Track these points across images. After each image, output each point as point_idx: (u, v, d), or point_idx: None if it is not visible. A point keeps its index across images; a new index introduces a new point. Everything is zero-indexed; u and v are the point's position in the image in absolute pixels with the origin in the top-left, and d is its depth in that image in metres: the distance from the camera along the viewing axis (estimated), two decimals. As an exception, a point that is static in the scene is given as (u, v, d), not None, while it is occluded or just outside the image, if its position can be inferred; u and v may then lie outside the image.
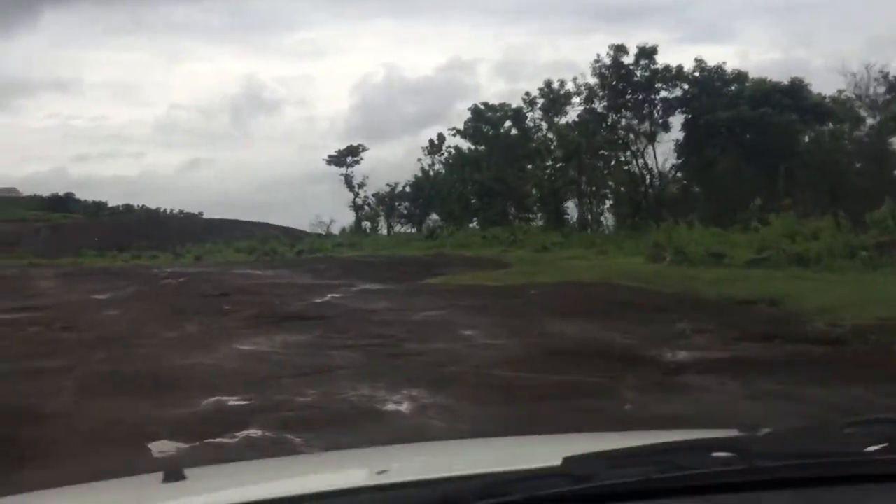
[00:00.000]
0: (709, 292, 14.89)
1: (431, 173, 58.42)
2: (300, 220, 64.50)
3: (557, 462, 1.33)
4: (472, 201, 54.79)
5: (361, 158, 60.74)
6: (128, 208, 76.92)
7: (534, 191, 49.56)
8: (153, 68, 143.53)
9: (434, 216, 63.16)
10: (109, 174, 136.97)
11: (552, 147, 46.16)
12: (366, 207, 62.57)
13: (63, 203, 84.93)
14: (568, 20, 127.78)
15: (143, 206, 76.38)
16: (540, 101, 48.63)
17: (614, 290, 15.44)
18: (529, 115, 49.51)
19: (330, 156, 60.07)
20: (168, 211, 74.93)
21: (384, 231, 64.37)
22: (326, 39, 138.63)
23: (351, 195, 61.13)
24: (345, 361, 8.36)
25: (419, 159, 59.31)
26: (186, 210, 76.91)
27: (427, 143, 59.42)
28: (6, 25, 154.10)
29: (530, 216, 54.04)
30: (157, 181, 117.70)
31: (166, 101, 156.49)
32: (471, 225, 54.46)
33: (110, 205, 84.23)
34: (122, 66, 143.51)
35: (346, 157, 60.19)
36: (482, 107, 51.84)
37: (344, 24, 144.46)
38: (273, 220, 65.63)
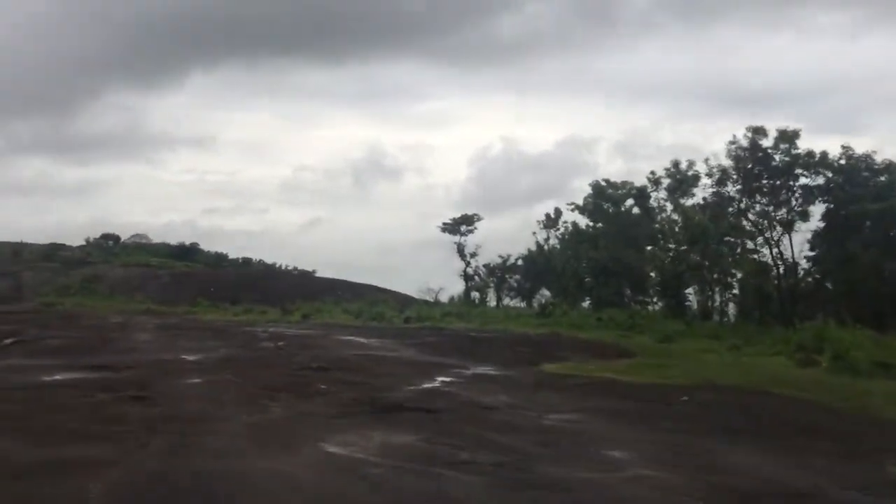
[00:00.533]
0: (893, 413, 12.07)
1: (546, 248, 56.23)
2: (409, 286, 63.33)
3: None
4: (587, 280, 52.05)
5: (475, 228, 59.34)
6: (246, 262, 77.76)
7: (653, 274, 46.48)
8: (284, 130, 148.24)
9: (545, 292, 60.75)
10: (234, 227, 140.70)
11: (676, 229, 43.13)
12: (476, 278, 60.87)
13: (188, 252, 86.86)
14: (692, 104, 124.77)
15: (260, 260, 77.01)
16: (665, 182, 45.91)
17: (776, 402, 12.75)
18: (653, 194, 46.78)
19: (444, 223, 58.89)
20: (284, 267, 75.36)
21: (493, 303, 62.35)
22: (449, 110, 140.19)
23: (462, 264, 59.61)
24: (462, 490, 6.18)
25: (534, 233, 57.41)
26: (301, 267, 77.28)
27: (543, 217, 57.47)
28: (158, 84, 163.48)
29: (647, 300, 51.02)
30: (277, 237, 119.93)
31: (293, 161, 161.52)
32: (583, 304, 51.88)
33: (230, 256, 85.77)
34: (256, 126, 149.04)
35: (461, 225, 58.85)
36: (603, 183, 49.56)
37: (467, 97, 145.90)
38: (383, 284, 64.61)
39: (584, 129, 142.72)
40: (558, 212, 56.71)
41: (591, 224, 51.30)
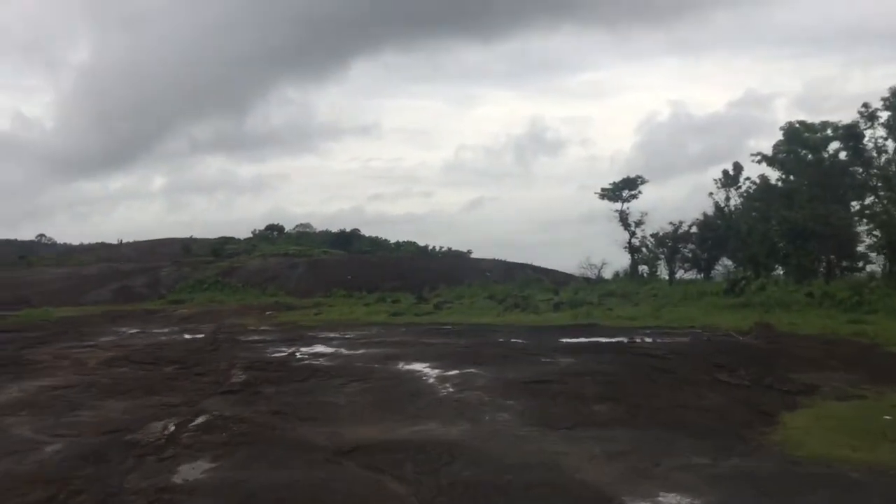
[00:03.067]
0: None
1: (726, 210, 44.87)
2: (571, 263, 53.64)
3: None
4: (780, 245, 40.36)
5: (639, 192, 49.04)
6: (398, 245, 71.12)
7: (874, 233, 34.42)
8: (444, 113, 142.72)
9: (726, 261, 49.37)
10: (400, 212, 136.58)
11: (906, 173, 31.18)
12: (643, 249, 50.33)
13: (348, 239, 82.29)
14: (882, 47, 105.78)
15: (412, 242, 70.19)
16: (884, 116, 33.69)
17: None
18: (868, 132, 34.60)
19: (603, 189, 48.97)
20: (437, 249, 68.29)
21: (664, 277, 51.64)
22: (609, 79, 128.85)
23: (626, 235, 49.36)
24: None
25: (710, 193, 46.20)
26: (456, 248, 70.00)
27: (720, 175, 45.99)
28: (323, 76, 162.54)
29: (855, 267, 39.07)
30: (441, 219, 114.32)
31: (454, 143, 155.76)
32: (773, 273, 40.60)
33: (392, 241, 79.96)
34: (417, 110, 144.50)
35: (622, 190, 48.71)
36: (799, 126, 37.66)
37: (627, 64, 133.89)
38: (544, 262, 55.64)
39: (759, 86, 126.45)
40: (738, 167, 45.21)
41: (783, 177, 39.67)
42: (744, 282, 28.71)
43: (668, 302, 29.17)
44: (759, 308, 25.38)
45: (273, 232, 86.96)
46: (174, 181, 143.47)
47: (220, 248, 68.56)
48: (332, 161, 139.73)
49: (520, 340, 14.56)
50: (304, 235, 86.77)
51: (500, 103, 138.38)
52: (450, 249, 68.53)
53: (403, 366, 10.99)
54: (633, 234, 49.56)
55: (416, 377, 10.10)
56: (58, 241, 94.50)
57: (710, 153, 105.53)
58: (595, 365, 11.18)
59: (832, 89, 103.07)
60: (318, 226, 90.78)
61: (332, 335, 16.84)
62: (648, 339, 15.11)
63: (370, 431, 7.61)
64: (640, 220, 49.03)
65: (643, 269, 51.35)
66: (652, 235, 52.54)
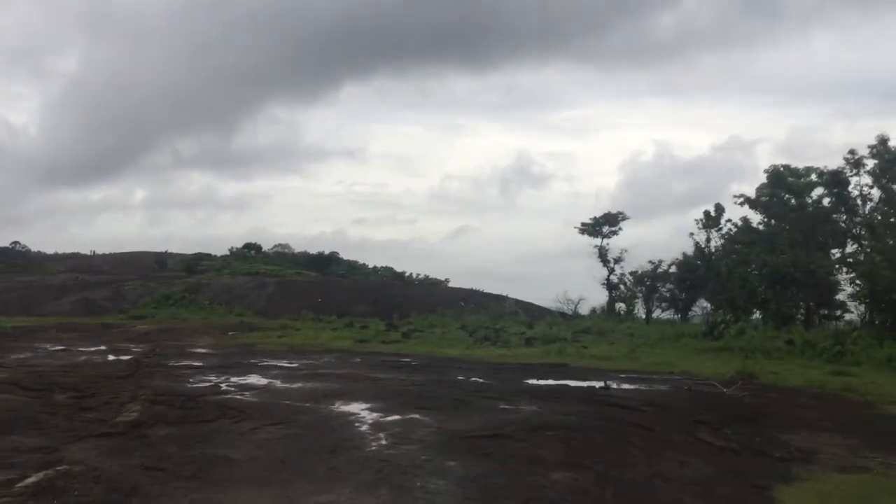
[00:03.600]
0: None
1: (706, 251, 43.59)
2: (549, 297, 51.99)
3: None
4: (759, 289, 39.02)
5: (620, 229, 47.70)
6: (374, 270, 69.37)
7: (855, 283, 33.11)
8: (431, 141, 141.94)
9: (703, 303, 48.03)
10: (383, 238, 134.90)
11: (892, 220, 29.96)
12: (621, 287, 48.89)
13: (326, 261, 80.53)
14: (867, 100, 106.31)
15: (389, 268, 68.46)
16: (870, 164, 32.65)
17: None
18: (853, 179, 33.52)
19: (583, 224, 47.58)
20: (414, 276, 66.52)
21: (641, 315, 50.17)
22: (596, 117, 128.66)
23: (605, 271, 47.91)
24: None
25: (691, 234, 44.88)
26: (434, 276, 68.38)
27: (702, 216, 44.76)
28: (313, 98, 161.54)
29: (833, 315, 37.81)
30: (424, 247, 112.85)
31: (440, 171, 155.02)
32: (751, 317, 39.22)
33: (371, 266, 78.12)
34: (404, 137, 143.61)
35: (602, 226, 47.33)
36: (783, 169, 36.57)
37: (614, 103, 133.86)
38: (522, 295, 54.00)
39: (743, 131, 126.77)
40: (720, 208, 44.03)
41: (765, 220, 38.48)
42: (723, 325, 27.20)
43: (644, 342, 27.63)
44: (738, 353, 23.87)
45: (250, 251, 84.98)
46: (156, 195, 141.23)
47: (195, 264, 66.50)
48: (316, 183, 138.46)
49: (480, 380, 12.86)
50: (282, 256, 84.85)
51: (487, 134, 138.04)
52: (427, 277, 66.89)
53: (339, 406, 9.22)
54: (611, 271, 48.24)
55: (348, 423, 8.33)
56: (32, 250, 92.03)
57: (692, 194, 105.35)
58: (561, 416, 9.38)
59: (815, 138, 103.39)
60: (299, 247, 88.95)
61: (278, 363, 14.99)
62: (624, 385, 13.46)
63: (260, 501, 5.86)
64: (619, 257, 47.78)
65: (620, 306, 49.89)
66: (630, 273, 51.32)
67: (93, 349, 17.20)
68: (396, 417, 8.71)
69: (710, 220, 44.71)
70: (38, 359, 14.46)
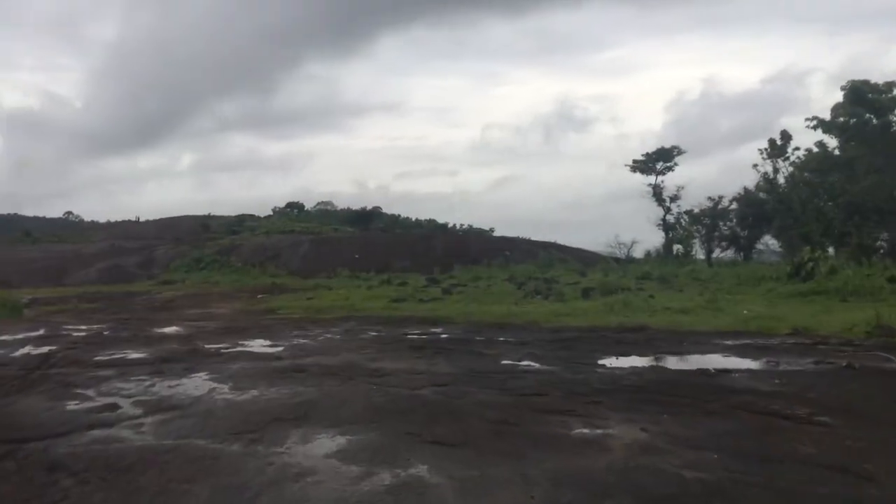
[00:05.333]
0: None
1: (775, 182, 38.74)
2: (595, 242, 47.79)
3: None
4: (835, 221, 34.29)
5: (675, 164, 42.79)
6: (418, 223, 65.71)
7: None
8: (470, 91, 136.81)
9: (768, 240, 43.30)
10: (426, 191, 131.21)
11: None
12: (678, 227, 44.28)
13: (368, 216, 77.40)
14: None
15: (432, 220, 64.69)
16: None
17: None
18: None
19: (635, 161, 42.98)
20: (458, 226, 62.79)
21: (699, 256, 45.64)
22: (637, 56, 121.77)
23: (660, 211, 43.37)
24: None
25: (755, 165, 39.93)
26: (478, 226, 64.52)
27: (766, 146, 39.77)
28: (350, 52, 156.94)
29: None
30: (467, 198, 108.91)
31: (481, 121, 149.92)
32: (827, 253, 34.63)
33: (408, 218, 74.55)
34: (443, 88, 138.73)
35: (656, 162, 42.55)
36: (863, 85, 31.35)
37: (654, 40, 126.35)
38: (568, 241, 49.84)
39: (793, 62, 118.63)
40: (786, 136, 38.98)
41: (841, 145, 33.48)
42: (811, 264, 22.78)
43: (718, 287, 23.45)
44: (834, 296, 19.65)
45: (293, 210, 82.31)
46: (201, 159, 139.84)
47: (239, 225, 63.89)
48: (357, 139, 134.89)
49: (535, 364, 9.04)
50: (325, 213, 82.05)
51: (526, 81, 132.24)
52: (471, 227, 63.02)
53: (288, 449, 5.23)
54: (667, 210, 43.68)
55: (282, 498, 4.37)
56: (84, 219, 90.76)
57: (742, 130, 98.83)
58: (690, 453, 5.08)
59: (871, 64, 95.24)
60: (342, 204, 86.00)
61: (261, 347, 11.34)
62: (744, 362, 9.09)
63: None
64: (675, 195, 43.12)
65: (677, 248, 45.44)
66: (686, 212, 46.64)
67: (83, 328, 13.80)
68: (385, 481, 4.59)
69: (776, 150, 39.78)
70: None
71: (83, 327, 14.36)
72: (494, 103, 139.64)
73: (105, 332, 13.35)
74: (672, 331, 12.82)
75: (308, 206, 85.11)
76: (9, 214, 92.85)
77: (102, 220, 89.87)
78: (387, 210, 78.89)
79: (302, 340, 11.99)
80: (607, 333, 12.49)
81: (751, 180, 41.60)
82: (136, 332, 13.62)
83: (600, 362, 9.19)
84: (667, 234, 43.72)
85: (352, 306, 22.16)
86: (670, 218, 43.97)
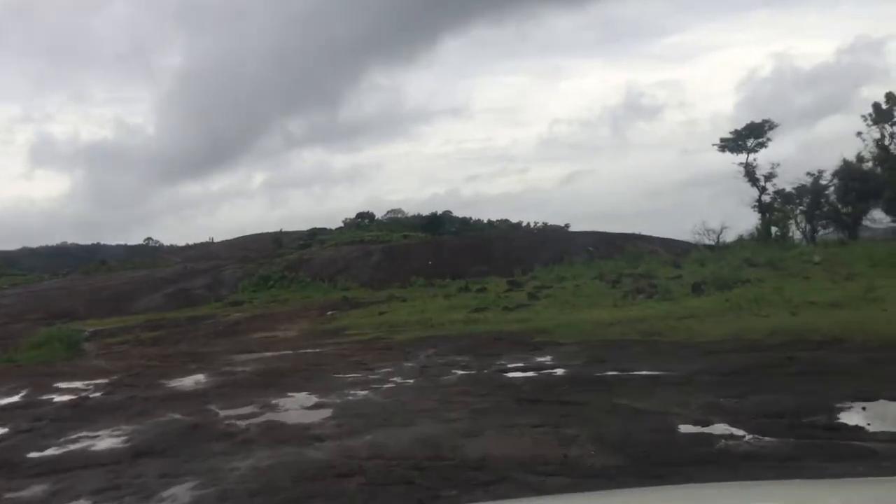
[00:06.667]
0: None
1: (887, 149, 34.09)
2: (676, 231, 43.69)
3: None
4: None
5: (768, 140, 38.29)
6: (489, 224, 62.69)
7: None
8: (534, 88, 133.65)
9: (878, 215, 38.45)
10: (496, 192, 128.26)
11: None
12: (774, 207, 39.79)
13: (438, 221, 75.00)
14: None
15: (504, 220, 61.56)
16: None
17: None
18: None
19: (722, 140, 38.81)
20: (531, 224, 59.52)
21: (796, 237, 41.04)
22: (703, 38, 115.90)
23: (754, 191, 38.91)
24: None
25: (859, 133, 35.31)
26: (551, 223, 61.05)
27: (870, 110, 35.11)
28: (411, 57, 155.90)
29: None
30: (537, 196, 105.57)
31: (546, 117, 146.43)
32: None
33: (480, 220, 71.59)
34: (507, 87, 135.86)
35: (746, 139, 38.19)
36: None
37: (719, 21, 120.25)
38: (647, 231, 45.81)
39: (869, 30, 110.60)
40: (893, 98, 34.22)
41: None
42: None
43: (852, 272, 19.61)
44: None
45: (364, 220, 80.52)
46: (272, 177, 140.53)
47: (311, 239, 62.39)
48: (424, 146, 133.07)
49: (733, 430, 5.60)
50: (395, 221, 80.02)
51: (590, 73, 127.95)
52: (545, 224, 59.61)
53: None
54: (762, 190, 39.22)
55: None
56: (164, 244, 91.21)
57: (820, 105, 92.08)
58: None
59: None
60: (412, 212, 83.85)
61: (295, 412, 8.01)
62: None
63: None
64: (771, 173, 38.58)
65: (774, 230, 40.94)
66: (777, 192, 41.94)
67: (78, 386, 10.62)
68: None
69: (881, 115, 35.11)
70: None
71: (78, 384, 11.05)
72: (560, 98, 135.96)
73: (93, 396, 10.09)
74: (864, 344, 9.28)
75: (378, 215, 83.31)
76: (92, 244, 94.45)
77: (181, 243, 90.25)
78: (458, 214, 76.26)
79: (360, 392, 8.81)
80: (780, 350, 9.05)
81: (846, 153, 36.96)
82: (142, 389, 10.28)
83: (848, 421, 5.73)
84: (763, 215, 39.26)
85: (429, 321, 19.33)
86: (766, 198, 39.50)
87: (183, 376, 10.56)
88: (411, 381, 9.35)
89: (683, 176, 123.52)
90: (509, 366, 9.82)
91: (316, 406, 8.17)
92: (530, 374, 9.12)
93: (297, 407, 8.28)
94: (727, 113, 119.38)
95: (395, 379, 9.58)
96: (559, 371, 9.33)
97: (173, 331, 24.81)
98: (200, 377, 10.09)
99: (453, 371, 9.70)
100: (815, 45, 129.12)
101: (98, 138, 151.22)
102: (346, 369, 10.44)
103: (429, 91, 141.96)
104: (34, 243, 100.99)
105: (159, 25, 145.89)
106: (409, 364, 10.39)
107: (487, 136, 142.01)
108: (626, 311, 16.51)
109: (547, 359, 10.36)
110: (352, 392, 8.89)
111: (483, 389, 8.37)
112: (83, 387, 10.26)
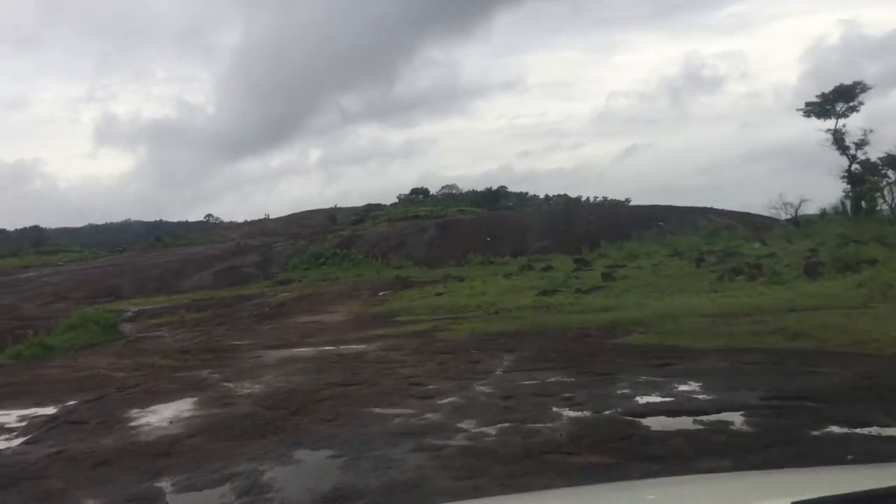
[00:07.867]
0: None
1: None
2: (740, 205, 39.87)
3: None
4: None
5: (859, 104, 34.06)
6: (547, 200, 59.51)
7: None
8: (589, 62, 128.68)
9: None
10: (549, 167, 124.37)
11: None
12: (868, 177, 35.61)
13: (494, 196, 72.28)
14: None
15: (563, 194, 58.29)
16: None
17: None
18: None
19: (807, 104, 34.61)
20: (591, 199, 56.17)
21: (885, 210, 36.80)
22: (765, 7, 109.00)
23: (843, 160, 34.76)
24: None
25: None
26: (611, 197, 57.52)
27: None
28: (466, 32, 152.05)
29: None
30: (593, 171, 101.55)
31: (600, 92, 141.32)
32: None
33: (536, 195, 68.48)
34: (561, 62, 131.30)
35: (835, 104, 34.05)
36: None
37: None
38: (716, 204, 42.14)
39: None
40: None
41: None
42: None
43: None
44: None
45: (418, 195, 78.22)
46: (328, 153, 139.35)
47: (365, 215, 60.47)
48: (478, 122, 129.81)
49: None
50: (450, 197, 77.57)
51: (648, 46, 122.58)
52: (605, 199, 56.09)
53: None
54: (852, 159, 35.10)
55: None
56: (223, 220, 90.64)
57: (890, 75, 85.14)
58: None
59: None
60: (466, 187, 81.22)
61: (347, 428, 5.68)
62: None
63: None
64: (862, 140, 34.39)
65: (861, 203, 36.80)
66: (860, 162, 37.62)
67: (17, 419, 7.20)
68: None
69: None
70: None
71: (10, 415, 7.65)
72: (616, 72, 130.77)
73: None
74: None
75: (433, 191, 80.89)
76: (155, 221, 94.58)
77: (240, 220, 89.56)
78: (512, 189, 73.23)
79: (409, 459, 5.05)
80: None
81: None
82: (86, 434, 6.57)
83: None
84: (854, 186, 35.20)
85: (491, 305, 16.72)
86: (856, 168, 35.36)
87: (167, 401, 7.42)
88: (492, 431, 5.71)
89: (745, 148, 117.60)
90: (640, 400, 6.33)
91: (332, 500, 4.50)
92: (683, 420, 5.57)
93: (300, 493, 4.74)
94: (791, 84, 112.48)
95: (464, 425, 5.98)
96: (727, 417, 5.65)
97: (218, 312, 22.89)
98: (185, 406, 7.15)
99: (554, 409, 6.17)
100: (885, 10, 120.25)
101: (160, 116, 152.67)
102: (393, 395, 6.96)
103: (483, 66, 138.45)
104: (100, 220, 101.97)
105: (217, 4, 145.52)
106: (483, 388, 7.18)
107: (541, 112, 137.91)
108: (731, 296, 13.61)
109: (690, 385, 6.80)
110: (395, 457, 5.18)
111: (620, 457, 4.81)
112: (6, 421, 7.16)
